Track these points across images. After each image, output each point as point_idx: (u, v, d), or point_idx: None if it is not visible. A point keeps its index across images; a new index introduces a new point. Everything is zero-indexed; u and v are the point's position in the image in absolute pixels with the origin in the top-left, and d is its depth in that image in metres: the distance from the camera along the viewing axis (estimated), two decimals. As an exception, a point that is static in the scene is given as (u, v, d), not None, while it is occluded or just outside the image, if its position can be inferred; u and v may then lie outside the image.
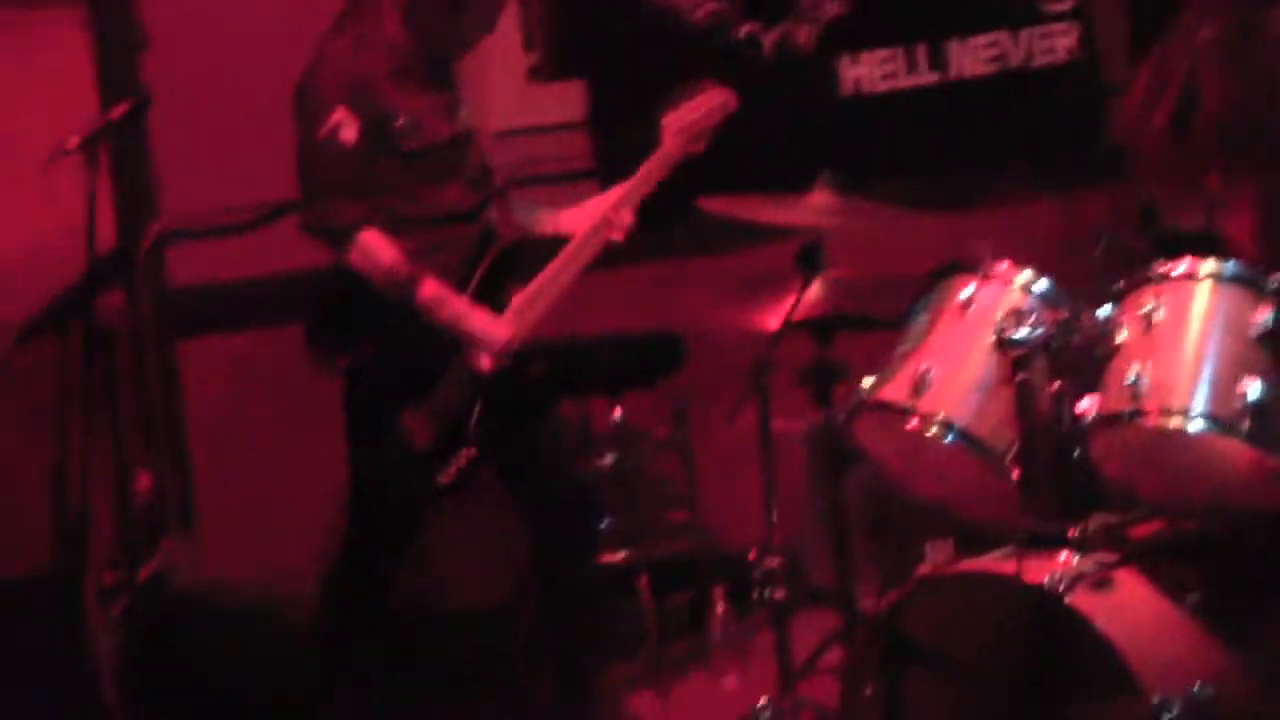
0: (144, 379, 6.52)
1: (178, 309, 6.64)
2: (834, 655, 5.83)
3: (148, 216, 6.51)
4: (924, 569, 5.68)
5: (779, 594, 5.89)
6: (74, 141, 5.88)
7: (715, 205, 5.91)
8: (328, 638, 6.37)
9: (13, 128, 6.21)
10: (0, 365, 6.41)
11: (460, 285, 6.08)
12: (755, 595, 6.05)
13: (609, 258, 6.26)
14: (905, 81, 7.41)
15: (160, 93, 6.38)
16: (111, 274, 6.19)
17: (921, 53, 7.45)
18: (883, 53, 7.36)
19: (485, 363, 6.02)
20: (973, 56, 7.48)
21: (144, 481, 6.31)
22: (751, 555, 6.06)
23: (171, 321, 6.64)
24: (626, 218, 6.22)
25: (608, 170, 6.40)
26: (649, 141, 6.23)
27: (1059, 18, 7.55)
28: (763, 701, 5.79)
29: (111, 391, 6.15)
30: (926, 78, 7.43)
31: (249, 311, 6.53)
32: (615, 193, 6.26)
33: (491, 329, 6.03)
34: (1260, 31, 5.91)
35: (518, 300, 6.12)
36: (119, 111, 6.17)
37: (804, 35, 7.30)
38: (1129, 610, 5.00)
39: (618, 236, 6.22)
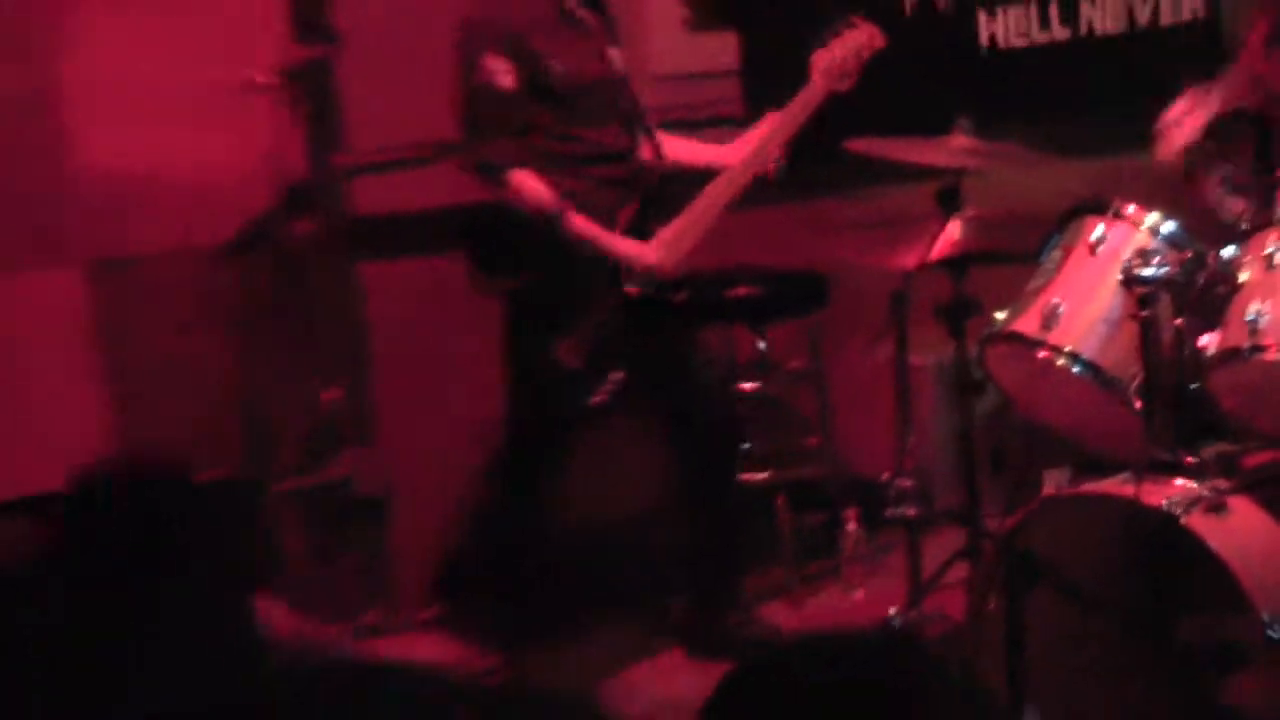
0: (330, 299, 6.48)
1: (361, 235, 6.62)
2: (960, 571, 5.75)
3: (335, 151, 6.44)
4: (1047, 490, 5.61)
5: (910, 513, 5.95)
6: (264, 77, 5.99)
7: (861, 146, 5.86)
8: (486, 546, 6.37)
9: (215, 72, 6.07)
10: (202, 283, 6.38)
11: (612, 220, 6.00)
12: (886, 515, 6.06)
13: (758, 196, 6.16)
14: (1039, 36, 7.26)
15: (348, 38, 6.37)
16: (302, 202, 6.15)
17: (1054, 9, 7.30)
18: (1017, 9, 7.22)
19: (633, 290, 5.96)
20: (1102, 13, 7.32)
21: (331, 394, 6.32)
22: (884, 478, 6.08)
23: (355, 246, 6.56)
24: (775, 152, 6.10)
25: (758, 116, 6.20)
26: (798, 86, 6.12)
27: None
28: (892, 612, 5.81)
29: (300, 309, 6.18)
30: (1059, 33, 7.27)
31: (423, 239, 6.41)
32: (765, 127, 6.14)
33: (638, 257, 5.96)
34: None
35: (665, 232, 6.02)
36: (311, 52, 6.28)
37: None
38: (1242, 534, 4.90)
39: (768, 170, 6.11)
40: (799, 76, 6.16)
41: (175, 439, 6.26)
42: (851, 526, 6.73)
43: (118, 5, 6.45)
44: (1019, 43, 7.34)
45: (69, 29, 6.44)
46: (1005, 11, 7.30)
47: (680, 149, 6.24)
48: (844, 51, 6.15)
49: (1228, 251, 5.20)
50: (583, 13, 6.08)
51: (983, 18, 7.28)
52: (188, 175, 6.38)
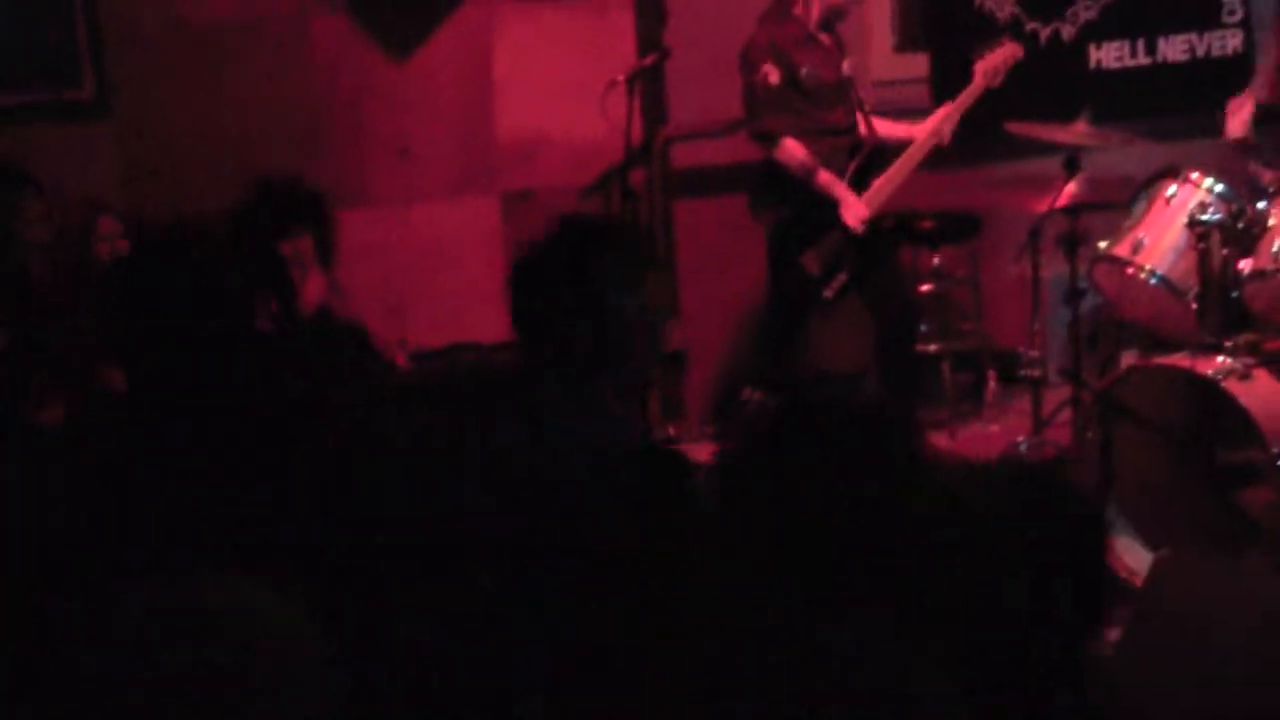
0: (655, 222, 6.46)
1: (677, 182, 6.59)
2: (1067, 415, 5.73)
3: (662, 125, 6.49)
4: (1127, 361, 5.54)
5: (1034, 374, 5.81)
6: (621, 78, 5.95)
7: (1017, 127, 5.76)
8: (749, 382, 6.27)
9: (588, 72, 6.11)
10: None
11: (841, 172, 5.95)
12: (1019, 375, 5.99)
13: (939, 161, 6.11)
14: (1130, 62, 7.04)
15: (675, 49, 6.32)
16: (639, 159, 6.10)
17: (1141, 44, 7.05)
18: (1117, 42, 7.02)
19: (855, 224, 5.91)
20: (1174, 48, 7.08)
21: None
22: (1018, 349, 6.01)
23: (673, 190, 6.58)
24: (948, 129, 6.03)
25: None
26: (967, 83, 6.09)
27: (1235, 25, 7.13)
28: (1021, 439, 5.78)
29: (634, 228, 5.98)
30: (1144, 60, 7.07)
31: (718, 185, 6.40)
32: (941, 112, 6.08)
33: (858, 205, 5.91)
34: None
35: (876, 183, 5.98)
36: (649, 60, 6.23)
37: (1066, 31, 6.95)
38: (1262, 394, 4.87)
39: (944, 142, 6.04)
40: (967, 79, 6.07)
41: None
42: (993, 383, 6.70)
43: (535, 26, 6.41)
44: (1116, 65, 7.04)
45: (504, 41, 6.41)
46: (1108, 44, 7.00)
47: (886, 128, 6.11)
48: (996, 60, 6.07)
49: (1261, 204, 5.11)
50: (824, 36, 5.97)
51: (1091, 48, 6.99)
52: (569, 138, 6.39)
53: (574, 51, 6.37)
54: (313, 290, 4.95)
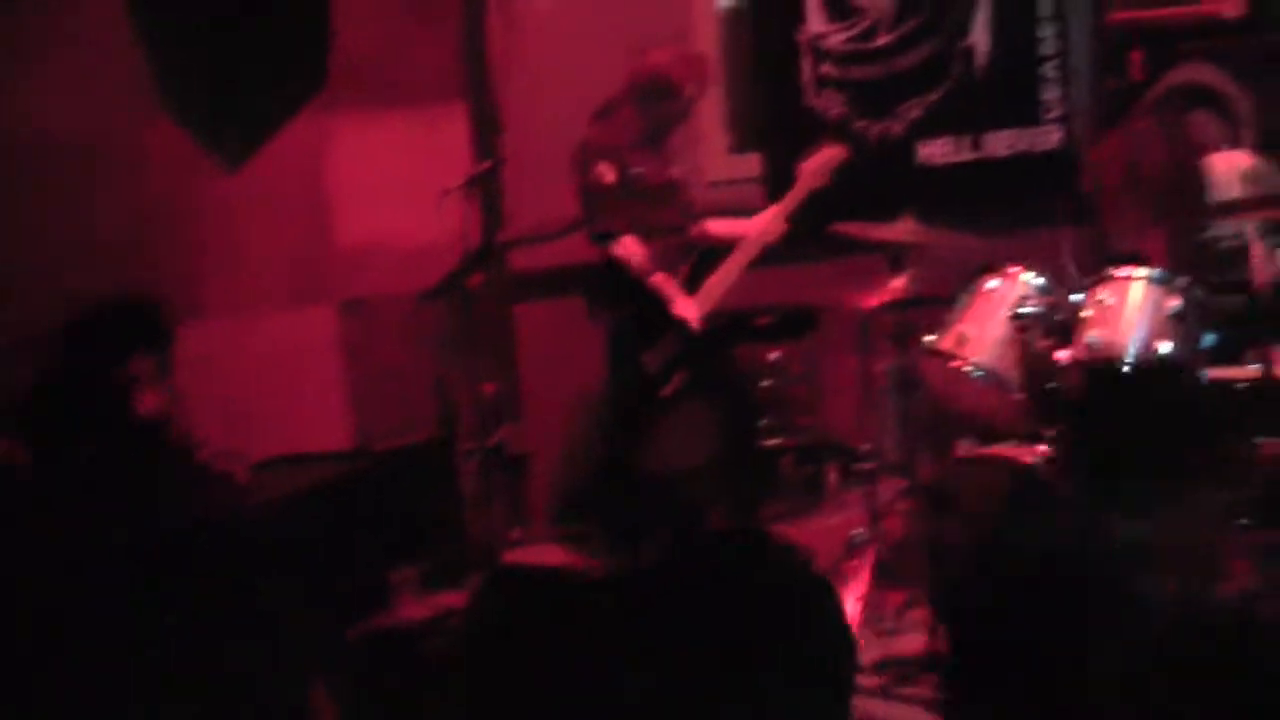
0: (494, 325, 6.52)
1: (516, 285, 6.65)
2: (902, 505, 5.73)
3: (499, 229, 6.50)
4: (958, 453, 5.62)
5: (869, 467, 5.81)
6: (457, 184, 5.96)
7: (843, 227, 5.78)
8: (591, 482, 6.34)
9: (424, 179, 6.10)
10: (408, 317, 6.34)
11: (675, 272, 5.99)
12: (854, 468, 6.08)
13: (773, 256, 6.13)
14: (956, 157, 7.23)
15: (511, 154, 6.39)
16: (477, 263, 6.11)
17: (967, 140, 7.26)
18: (944, 139, 7.20)
19: (690, 323, 5.93)
20: (998, 143, 7.29)
21: (490, 388, 6.20)
22: (853, 444, 6.09)
23: (512, 293, 6.65)
24: (777, 228, 6.06)
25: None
26: (792, 179, 6.12)
27: (1055, 121, 7.36)
28: (858, 531, 5.74)
29: (473, 332, 6.07)
30: (969, 156, 7.25)
31: (556, 287, 6.45)
32: (769, 212, 6.12)
33: (691, 305, 5.95)
34: (1183, 126, 5.76)
35: (710, 282, 6.00)
36: (485, 166, 6.27)
37: (896, 129, 7.15)
38: None
39: (773, 240, 6.07)
40: (792, 179, 6.09)
41: (394, 416, 6.32)
42: (832, 476, 6.75)
43: (369, 136, 6.42)
44: (943, 161, 7.22)
45: (338, 150, 6.42)
46: (935, 140, 7.19)
47: (721, 226, 6.15)
48: (819, 162, 6.09)
49: (1076, 297, 5.17)
50: (660, 137, 6.01)
51: (919, 144, 7.17)
52: (407, 245, 6.35)
53: (409, 159, 6.39)
54: (150, 407, 4.98)
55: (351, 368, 6.47)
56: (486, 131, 6.57)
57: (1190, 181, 5.53)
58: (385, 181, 6.39)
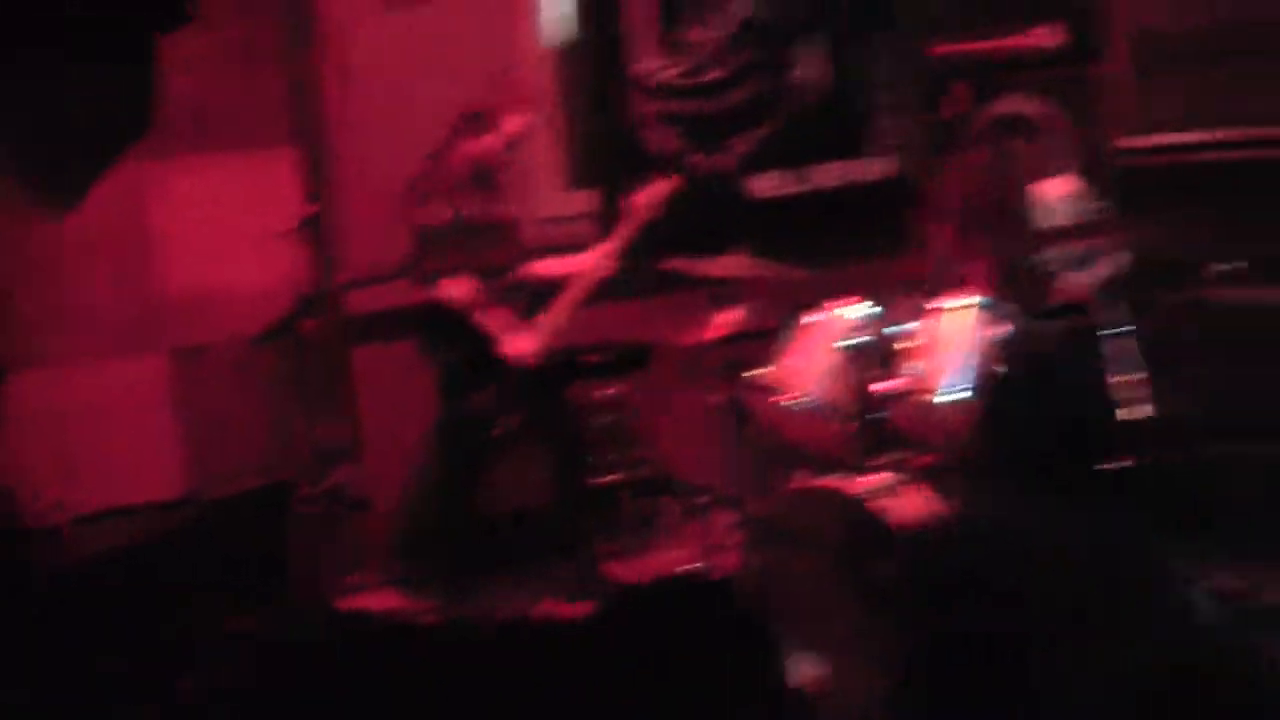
0: (329, 369, 6.49)
1: (352, 328, 6.59)
2: (735, 538, 5.73)
3: (332, 273, 6.45)
4: (790, 486, 5.49)
5: (701, 501, 5.96)
6: (289, 227, 6.05)
7: (673, 264, 5.88)
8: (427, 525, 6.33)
9: (255, 223, 6.18)
10: (241, 363, 6.37)
11: (509, 310, 6.03)
12: (689, 502, 6.13)
13: (605, 293, 6.22)
14: (786, 189, 7.34)
15: (344, 195, 6.44)
16: (311, 307, 6.18)
17: (797, 172, 7.36)
18: (774, 172, 7.31)
19: (523, 362, 5.99)
20: (828, 173, 7.40)
21: (326, 432, 6.27)
22: (684, 478, 6.20)
23: (349, 336, 6.59)
24: (610, 263, 6.14)
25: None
26: (626, 212, 6.22)
27: (883, 152, 7.51)
28: (695, 565, 5.83)
29: (308, 377, 6.16)
30: (799, 187, 7.36)
31: (392, 330, 6.41)
32: (602, 247, 6.20)
33: (524, 342, 6.01)
34: (1007, 155, 5.83)
35: (542, 320, 6.07)
36: (315, 209, 6.28)
37: (728, 160, 7.24)
38: (910, 508, 4.93)
39: (606, 276, 6.15)
40: (626, 212, 6.19)
41: (227, 463, 6.27)
42: (668, 510, 6.65)
43: (196, 180, 6.33)
44: (771, 193, 7.30)
45: (164, 196, 6.34)
46: (765, 174, 7.30)
47: (552, 264, 6.22)
48: (652, 194, 6.19)
49: (903, 327, 5.18)
50: (490, 176, 6.05)
51: (751, 177, 7.26)
52: (239, 290, 6.34)
53: (239, 204, 6.37)
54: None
55: (184, 416, 6.43)
56: (317, 175, 6.58)
57: (1016, 209, 5.61)
58: (216, 227, 6.38)
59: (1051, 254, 5.57)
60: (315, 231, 6.28)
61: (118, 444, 6.20)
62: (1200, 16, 6.22)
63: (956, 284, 5.60)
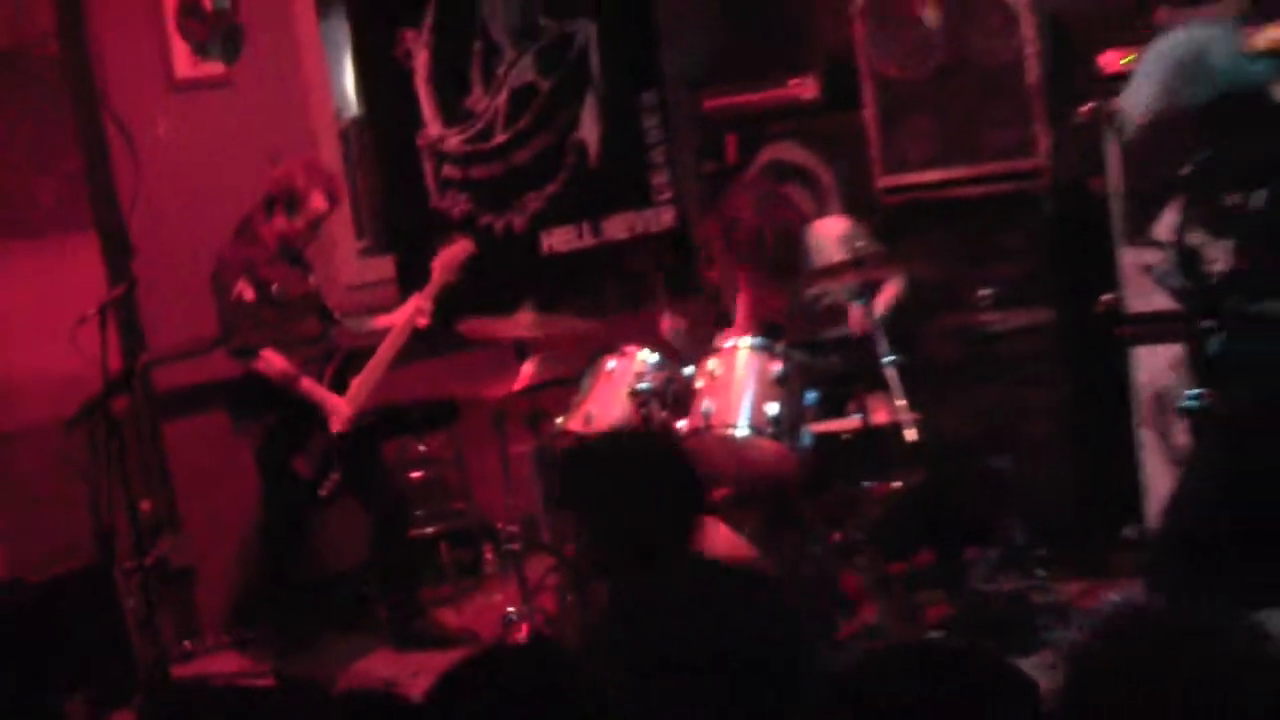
0: (143, 445, 6.53)
1: (161, 405, 6.59)
2: (551, 579, 5.95)
3: (140, 352, 6.43)
4: None
5: (516, 546, 5.92)
6: (92, 310, 5.84)
7: (466, 327, 6.05)
8: (256, 588, 6.40)
9: (57, 307, 6.07)
10: (55, 446, 6.19)
11: (320, 376, 6.11)
12: (505, 548, 6.06)
13: (412, 353, 6.30)
14: (578, 243, 7.55)
15: (143, 279, 6.31)
16: (120, 387, 6.00)
17: (587, 226, 7.54)
18: (565, 228, 7.50)
19: (338, 425, 6.08)
20: (617, 225, 7.60)
21: (146, 506, 6.26)
22: (500, 525, 6.13)
23: (158, 412, 6.59)
24: (420, 320, 6.20)
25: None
26: (426, 276, 6.30)
27: (666, 203, 7.71)
28: (512, 609, 5.91)
29: (123, 454, 5.96)
30: (590, 241, 7.54)
31: (201, 403, 6.49)
32: (409, 305, 6.25)
33: (339, 406, 6.09)
34: (773, 196, 5.93)
35: (355, 382, 6.14)
36: (118, 290, 6.14)
37: (519, 222, 7.35)
38: (711, 538, 4.85)
39: (422, 324, 6.20)
40: (427, 276, 6.28)
41: (49, 545, 6.10)
42: (489, 556, 6.93)
43: (5, 270, 6.28)
44: (564, 248, 7.47)
45: None
46: (557, 230, 7.45)
47: (364, 323, 6.35)
48: (448, 256, 6.29)
49: (688, 369, 5.49)
50: (291, 251, 6.12)
51: (543, 235, 7.40)
52: (45, 376, 6.24)
53: (40, 289, 6.33)
54: None
55: (2, 500, 6.30)
56: (118, 256, 6.51)
57: (787, 247, 5.77)
58: (20, 315, 6.33)
59: (830, 288, 5.78)
60: (120, 313, 6.20)
61: None
62: (924, 67, 6.45)
63: (738, 323, 5.84)
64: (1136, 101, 4.26)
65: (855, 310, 5.70)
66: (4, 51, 6.22)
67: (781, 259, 5.77)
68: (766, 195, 5.90)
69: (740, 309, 5.89)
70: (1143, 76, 4.25)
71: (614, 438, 4.81)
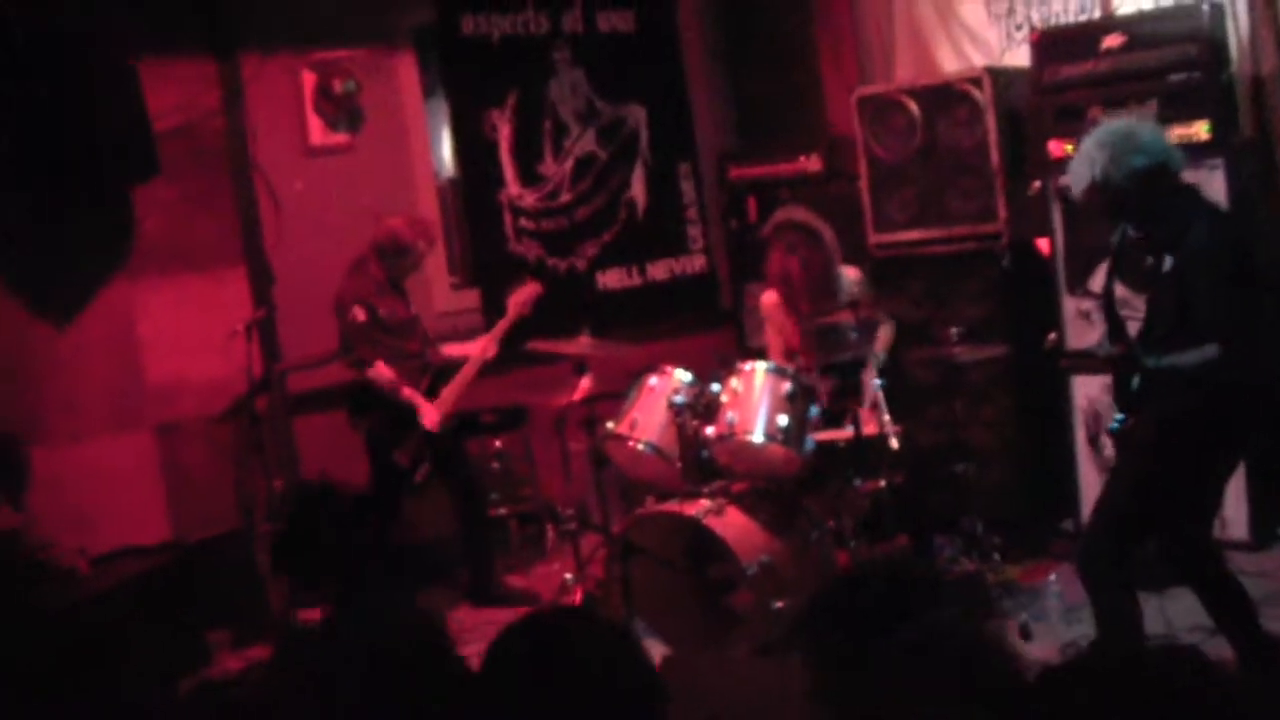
0: (278, 436, 6.56)
1: (292, 403, 6.60)
2: (601, 552, 5.89)
3: (276, 361, 6.51)
4: (640, 511, 5.60)
5: (573, 526, 5.94)
6: (241, 327, 6.03)
7: (537, 345, 5.99)
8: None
9: (215, 325, 6.24)
10: (209, 434, 6.38)
11: (417, 386, 6.12)
12: (563, 527, 6.12)
13: (491, 369, 6.31)
14: (628, 282, 7.57)
15: (280, 304, 6.49)
16: (261, 389, 6.19)
17: (635, 268, 7.59)
18: (617, 269, 7.54)
19: (430, 425, 6.08)
20: (659, 268, 7.66)
21: (279, 484, 6.30)
22: (560, 508, 6.24)
23: (291, 410, 6.61)
24: (494, 349, 6.23)
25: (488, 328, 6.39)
26: (503, 308, 6.33)
27: (699, 251, 7.73)
28: (568, 576, 5.95)
29: (262, 442, 6.18)
30: (637, 281, 7.59)
31: (324, 403, 6.50)
32: (486, 337, 6.26)
33: (431, 411, 6.08)
34: (799, 246, 5.86)
35: (445, 392, 6.14)
36: (261, 312, 6.36)
37: (580, 264, 7.41)
38: (732, 523, 5.24)
39: (490, 357, 6.23)
40: (503, 310, 6.30)
41: (202, 513, 6.26)
42: (550, 534, 6.92)
43: (170, 294, 6.38)
44: (617, 287, 7.53)
45: (146, 306, 6.34)
46: (610, 270, 7.51)
47: (451, 348, 6.31)
48: (522, 296, 6.29)
49: (715, 386, 5.48)
50: (397, 283, 6.14)
51: (599, 275, 7.46)
52: (204, 378, 6.35)
53: (203, 310, 6.39)
54: (6, 524, 5.30)
55: (167, 478, 6.36)
56: (262, 284, 6.59)
57: (821, 285, 5.75)
58: (185, 330, 6.38)
59: (844, 322, 5.77)
60: (261, 330, 6.28)
61: (119, 500, 6.15)
62: (907, 149, 6.52)
63: (757, 352, 5.90)
64: (1079, 176, 4.31)
65: (855, 340, 5.72)
66: (181, 126, 6.30)
67: (814, 292, 5.73)
68: (790, 243, 5.83)
69: (769, 338, 5.99)
70: (1083, 156, 4.31)
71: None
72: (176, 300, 6.43)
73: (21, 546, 5.36)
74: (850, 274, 5.82)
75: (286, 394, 6.61)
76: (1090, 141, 4.28)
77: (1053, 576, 5.56)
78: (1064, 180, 4.73)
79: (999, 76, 6.35)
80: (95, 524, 5.96)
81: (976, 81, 6.32)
